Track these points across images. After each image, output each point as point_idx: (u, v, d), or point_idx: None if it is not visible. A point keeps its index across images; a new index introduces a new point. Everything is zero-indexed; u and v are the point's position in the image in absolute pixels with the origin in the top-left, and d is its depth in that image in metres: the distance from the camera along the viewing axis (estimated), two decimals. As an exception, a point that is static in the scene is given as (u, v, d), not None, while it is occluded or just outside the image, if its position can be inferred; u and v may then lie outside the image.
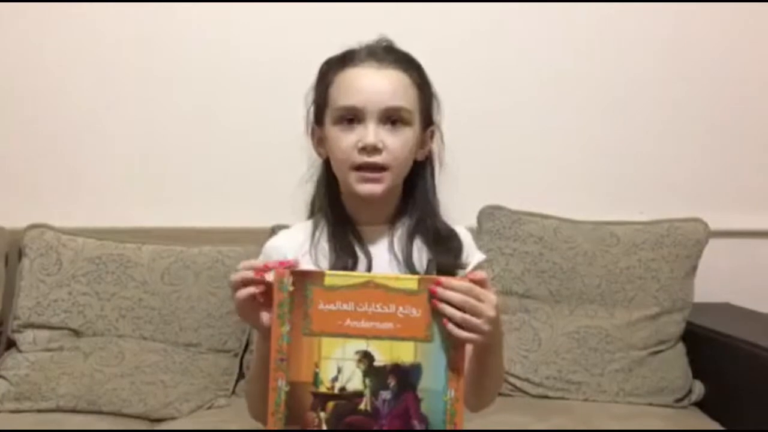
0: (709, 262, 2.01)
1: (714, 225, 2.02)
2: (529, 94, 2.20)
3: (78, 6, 2.09)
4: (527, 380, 1.91)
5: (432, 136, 1.17)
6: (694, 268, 1.99)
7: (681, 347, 1.96)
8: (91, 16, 2.10)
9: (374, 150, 1.07)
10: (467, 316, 0.92)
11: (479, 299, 0.93)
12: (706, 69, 2.23)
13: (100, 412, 1.77)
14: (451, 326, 0.92)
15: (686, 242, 1.98)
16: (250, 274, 0.95)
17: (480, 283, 0.95)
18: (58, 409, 1.77)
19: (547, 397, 1.90)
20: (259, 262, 0.98)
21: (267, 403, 0.94)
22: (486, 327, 0.93)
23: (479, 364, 1.03)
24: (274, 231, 1.18)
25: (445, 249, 1.12)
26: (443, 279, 0.94)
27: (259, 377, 1.02)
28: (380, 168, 1.08)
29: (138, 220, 2.05)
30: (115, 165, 2.13)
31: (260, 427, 1.05)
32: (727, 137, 2.25)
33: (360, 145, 1.07)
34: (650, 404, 1.87)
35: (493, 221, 1.99)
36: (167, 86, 2.13)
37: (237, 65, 2.13)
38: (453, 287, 0.93)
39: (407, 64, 1.12)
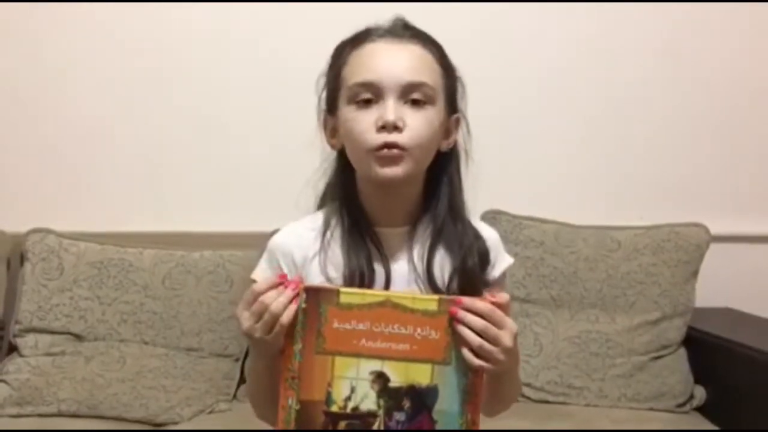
0: (710, 267, 2.01)
1: (715, 230, 2.02)
2: (530, 98, 2.20)
3: (79, 7, 2.09)
4: (528, 385, 1.90)
5: (457, 125, 1.06)
6: (695, 273, 1.99)
7: (682, 352, 1.96)
8: (93, 19, 2.09)
9: (394, 128, 0.96)
10: (485, 344, 0.88)
11: (499, 326, 0.89)
12: (708, 73, 2.23)
13: (102, 417, 1.77)
14: (465, 351, 0.89)
15: (687, 247, 1.98)
16: (288, 293, 0.89)
17: (502, 307, 0.90)
18: (60, 414, 1.77)
19: (548, 402, 1.90)
20: (272, 281, 0.92)
21: (273, 410, 0.92)
22: (501, 357, 0.89)
23: (493, 384, 0.99)
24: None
25: (469, 256, 1.03)
26: (465, 300, 0.90)
27: (261, 384, 1.00)
28: (400, 148, 0.97)
29: (139, 224, 2.05)
30: (116, 169, 2.13)
31: (266, 427, 1.04)
32: (727, 142, 2.26)
33: (379, 123, 0.96)
34: (651, 409, 1.87)
35: (494, 226, 1.96)
36: (169, 90, 2.12)
37: (239, 69, 2.13)
38: (475, 310, 0.89)
39: (428, 40, 1.03)
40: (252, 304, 0.90)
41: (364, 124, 0.98)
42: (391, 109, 0.97)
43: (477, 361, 0.89)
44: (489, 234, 1.09)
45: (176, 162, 2.15)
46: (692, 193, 2.23)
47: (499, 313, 0.90)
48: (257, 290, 0.91)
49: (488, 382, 0.97)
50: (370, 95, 0.98)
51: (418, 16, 1.09)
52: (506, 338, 0.89)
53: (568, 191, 2.21)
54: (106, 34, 2.11)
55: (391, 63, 0.99)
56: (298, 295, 0.90)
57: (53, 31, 2.10)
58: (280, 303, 0.89)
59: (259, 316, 0.90)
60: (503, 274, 1.10)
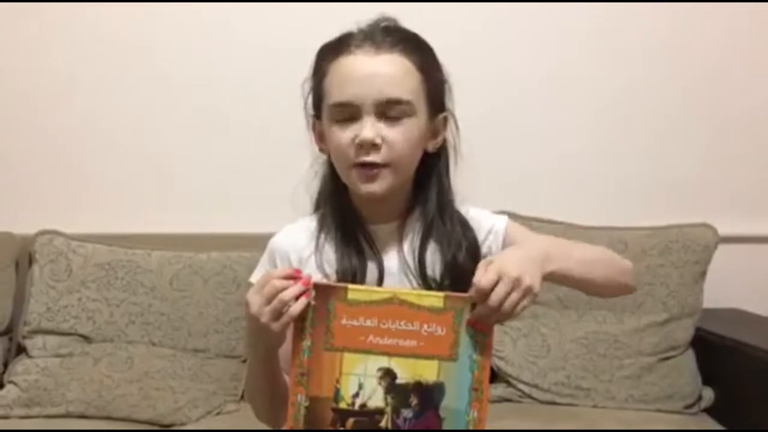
0: (719, 268, 2.00)
1: (723, 230, 2.01)
2: (537, 99, 2.20)
3: (82, 8, 2.09)
4: (536, 386, 1.90)
5: (445, 124, 1.08)
6: (703, 273, 1.98)
7: (690, 353, 1.95)
8: (97, 21, 2.10)
9: (372, 146, 0.99)
10: (507, 305, 0.88)
11: (499, 288, 0.88)
12: (716, 73, 2.22)
13: (110, 418, 1.78)
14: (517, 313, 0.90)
15: (695, 248, 1.97)
16: (298, 286, 0.91)
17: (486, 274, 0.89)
18: (68, 415, 1.77)
19: (555, 403, 1.89)
20: (284, 272, 0.93)
21: (274, 407, 0.93)
22: (525, 283, 0.88)
23: (576, 280, 1.00)
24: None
25: (459, 251, 1.04)
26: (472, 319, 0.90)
27: (257, 384, 1.01)
28: (379, 166, 1.00)
29: (147, 226, 2.05)
30: (124, 171, 2.14)
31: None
32: (736, 142, 2.24)
33: (357, 141, 0.99)
34: (659, 410, 1.86)
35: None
36: (177, 93, 2.13)
37: (242, 70, 2.13)
38: (482, 314, 0.89)
39: (407, 45, 1.02)
40: (264, 287, 0.91)
41: (343, 140, 1.00)
42: (368, 127, 0.98)
43: (517, 310, 0.89)
44: (472, 216, 1.10)
45: (184, 163, 2.15)
46: (700, 194, 2.22)
47: (484, 286, 0.88)
48: (271, 275, 0.92)
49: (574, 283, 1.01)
50: (349, 111, 1.00)
51: (422, 16, 1.09)
52: (504, 288, 0.88)
53: (575, 192, 2.20)
54: (111, 36, 2.12)
55: (367, 80, 0.99)
56: (307, 291, 0.91)
57: (58, 33, 2.10)
58: (291, 292, 0.90)
59: (268, 300, 0.90)
60: (506, 234, 1.09)
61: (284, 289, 0.90)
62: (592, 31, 2.20)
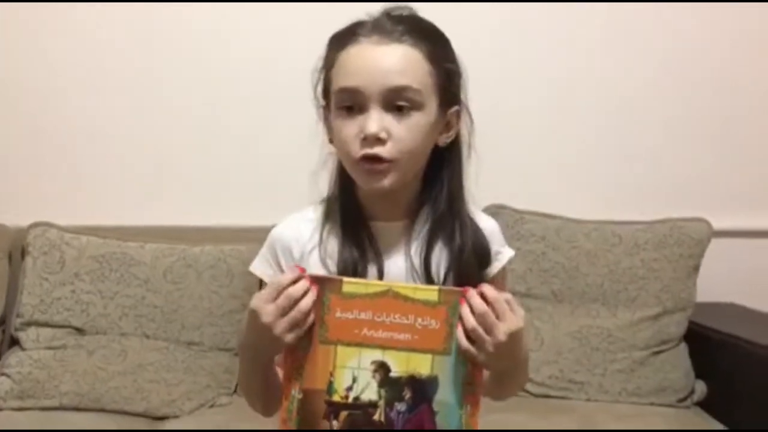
0: (712, 262, 2.01)
1: (717, 224, 2.02)
2: (534, 94, 2.20)
3: (78, 5, 2.08)
4: (529, 380, 1.90)
5: (458, 118, 1.02)
6: (697, 267, 1.99)
7: (683, 347, 1.96)
8: (94, 15, 2.09)
9: (377, 141, 0.93)
10: (478, 328, 0.87)
11: (500, 318, 0.87)
12: (711, 70, 2.23)
13: (103, 410, 1.78)
14: (459, 332, 0.88)
15: (689, 242, 1.98)
16: (314, 292, 0.88)
17: (508, 302, 0.89)
18: (61, 407, 1.77)
19: (549, 396, 1.90)
20: (292, 277, 0.90)
21: (270, 401, 0.93)
22: (490, 348, 0.87)
23: (495, 375, 0.97)
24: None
25: (467, 253, 1.01)
26: (482, 285, 0.90)
27: (258, 381, 0.99)
28: (384, 161, 0.95)
29: (141, 218, 2.05)
30: (118, 163, 2.13)
31: (265, 424, 1.04)
32: (730, 137, 2.25)
33: (361, 135, 0.94)
34: (652, 404, 1.87)
35: (495, 220, 1.98)
36: (170, 85, 2.12)
37: (238, 62, 2.13)
38: (483, 293, 0.88)
39: (417, 35, 0.97)
40: (275, 298, 0.88)
41: (347, 134, 0.96)
42: (373, 120, 0.94)
43: (466, 344, 0.88)
44: (488, 225, 1.08)
45: (177, 156, 2.14)
46: (694, 188, 2.22)
47: (503, 305, 0.88)
48: (282, 284, 0.89)
49: (491, 377, 0.96)
50: (353, 102, 0.96)
51: (424, 14, 1.08)
52: (500, 330, 0.87)
53: (570, 186, 2.21)
54: (107, 29, 2.10)
55: (373, 67, 0.95)
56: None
57: (54, 28, 2.09)
58: (308, 301, 0.88)
59: (284, 311, 0.88)
60: (503, 269, 1.08)
61: (300, 297, 0.88)
62: (591, 30, 2.21)
